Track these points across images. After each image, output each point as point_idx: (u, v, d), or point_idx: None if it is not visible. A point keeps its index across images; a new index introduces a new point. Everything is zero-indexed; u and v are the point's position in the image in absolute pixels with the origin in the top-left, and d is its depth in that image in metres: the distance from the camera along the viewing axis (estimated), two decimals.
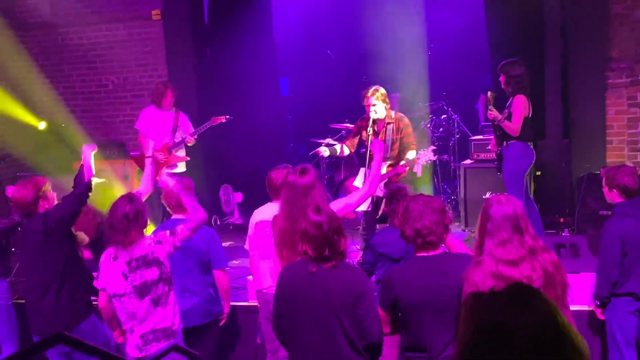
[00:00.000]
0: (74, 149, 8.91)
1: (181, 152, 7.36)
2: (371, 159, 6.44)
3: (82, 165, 4.69)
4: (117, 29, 8.88)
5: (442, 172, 8.78)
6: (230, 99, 8.91)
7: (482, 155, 7.48)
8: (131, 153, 7.82)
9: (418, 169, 6.24)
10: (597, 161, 6.93)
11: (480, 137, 7.77)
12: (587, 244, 5.42)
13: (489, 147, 6.68)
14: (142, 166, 7.29)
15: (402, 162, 6.16)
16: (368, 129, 6.18)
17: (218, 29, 8.93)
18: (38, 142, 8.81)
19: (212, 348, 4.98)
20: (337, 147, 6.64)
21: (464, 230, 7.42)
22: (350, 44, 11.26)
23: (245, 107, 8.85)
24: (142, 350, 4.10)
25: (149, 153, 5.42)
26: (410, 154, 6.18)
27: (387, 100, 6.27)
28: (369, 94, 6.20)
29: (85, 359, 4.43)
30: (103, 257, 4.17)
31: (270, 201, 4.83)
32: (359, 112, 6.59)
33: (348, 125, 8.55)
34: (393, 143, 6.24)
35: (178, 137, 7.32)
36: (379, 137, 6.24)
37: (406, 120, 6.31)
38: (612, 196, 4.56)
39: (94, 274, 4.32)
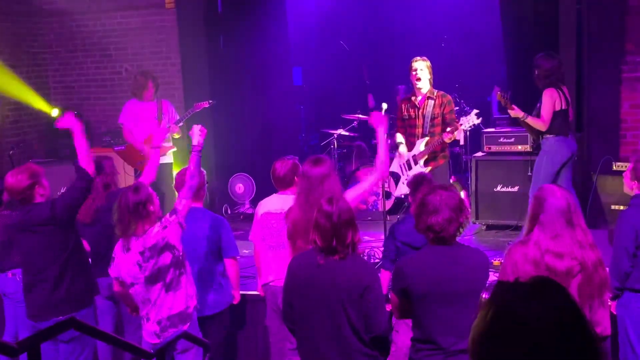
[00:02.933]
0: (87, 136, 8.98)
1: (167, 143, 7.29)
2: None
3: (79, 150, 4.59)
4: (131, 17, 8.90)
5: (454, 165, 8.76)
6: (243, 87, 8.93)
7: (494, 148, 7.45)
8: (115, 148, 7.80)
9: (461, 136, 6.19)
10: (610, 155, 6.89)
11: (493, 129, 7.74)
12: (601, 237, 5.39)
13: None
14: (127, 160, 7.32)
15: (448, 129, 6.07)
16: (408, 105, 6.14)
17: (231, 17, 8.93)
18: (51, 129, 8.87)
19: (221, 337, 5.02)
20: (399, 137, 6.45)
21: (474, 223, 7.40)
22: (363, 34, 11.25)
23: (257, 96, 8.86)
24: (160, 336, 4.14)
25: (157, 143, 5.42)
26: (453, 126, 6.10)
27: (432, 74, 6.18)
28: (417, 59, 6.14)
29: (72, 347, 4.48)
30: (116, 247, 4.21)
31: (276, 192, 4.84)
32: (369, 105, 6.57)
33: (360, 115, 8.54)
34: (433, 118, 6.15)
35: (164, 127, 7.24)
36: (418, 112, 6.19)
37: (449, 97, 6.23)
38: (632, 186, 4.51)
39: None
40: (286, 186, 4.75)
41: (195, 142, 4.48)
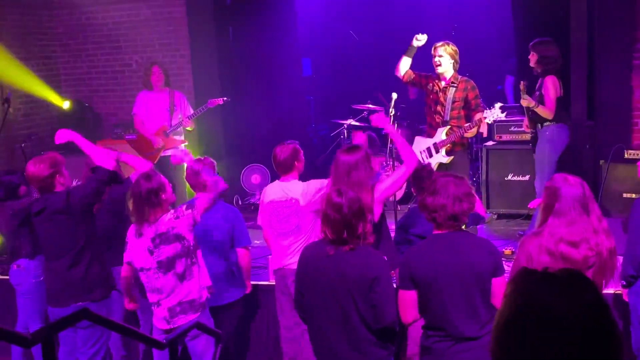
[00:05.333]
0: (97, 128, 9.02)
1: (178, 136, 7.33)
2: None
3: (91, 153, 4.68)
4: (140, 8, 8.91)
5: None
6: (252, 78, 8.93)
7: (505, 137, 7.43)
8: (126, 137, 7.83)
9: (484, 129, 6.16)
10: (622, 143, 6.84)
11: (503, 118, 7.69)
12: (613, 226, 5.36)
13: (523, 128, 6.58)
14: (138, 150, 7.34)
15: (467, 124, 6.04)
16: (431, 85, 6.09)
17: (240, 8, 8.92)
18: (62, 121, 8.90)
19: (233, 327, 5.05)
20: (406, 59, 6.31)
21: (486, 212, 7.38)
22: (373, 24, 11.20)
23: (267, 87, 8.86)
24: (169, 322, 4.20)
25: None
26: (478, 115, 6.03)
27: (457, 58, 6.10)
28: (438, 44, 6.08)
29: (90, 332, 4.53)
30: (129, 233, 4.29)
31: (278, 179, 4.82)
32: (381, 92, 6.53)
33: (370, 106, 8.52)
34: (454, 102, 6.08)
35: (176, 118, 7.28)
36: (440, 97, 6.13)
37: (473, 82, 6.14)
38: None
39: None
40: (287, 171, 4.73)
41: (187, 162, 4.60)
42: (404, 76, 6.30)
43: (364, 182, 3.96)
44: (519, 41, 8.35)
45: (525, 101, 6.03)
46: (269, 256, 5.59)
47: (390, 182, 4.23)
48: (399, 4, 10.96)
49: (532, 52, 6.13)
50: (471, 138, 8.63)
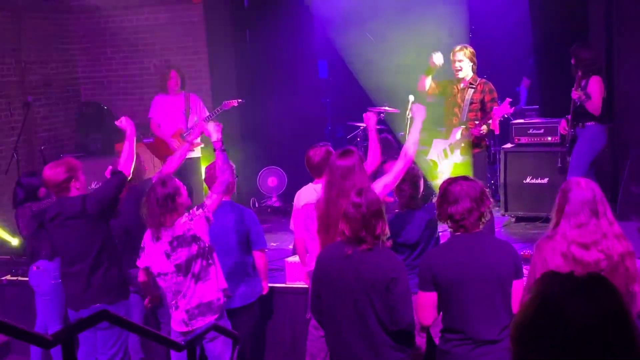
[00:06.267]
0: (115, 131, 9.09)
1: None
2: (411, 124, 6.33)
3: (124, 152, 4.70)
4: (158, 12, 8.97)
5: None
6: (269, 81, 8.95)
7: (523, 139, 7.38)
8: (144, 140, 7.88)
9: (495, 126, 6.13)
10: None
11: (522, 120, 7.66)
12: (632, 229, 5.33)
13: (560, 130, 6.52)
14: (155, 153, 7.38)
15: (477, 123, 6.03)
16: (450, 87, 6.11)
17: (257, 11, 8.96)
18: (81, 124, 8.99)
19: (250, 329, 5.06)
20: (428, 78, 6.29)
21: (503, 215, 7.35)
22: (389, 25, 11.17)
23: (284, 89, 8.88)
24: (188, 324, 4.22)
25: (192, 138, 5.55)
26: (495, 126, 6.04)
27: (475, 60, 6.12)
28: (457, 49, 6.10)
29: (109, 333, 4.56)
30: (145, 237, 4.30)
31: (312, 181, 4.83)
32: (397, 96, 6.52)
33: (387, 108, 8.51)
34: (471, 104, 6.08)
35: (192, 121, 7.30)
36: (458, 98, 6.15)
37: (491, 85, 6.15)
38: None
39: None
40: (321, 173, 4.72)
41: (214, 138, 4.54)
42: (428, 90, 6.31)
43: (358, 185, 3.93)
44: (536, 42, 8.30)
45: (577, 93, 6.01)
46: (286, 259, 5.61)
47: (387, 181, 4.15)
48: (416, 6, 10.92)
49: (571, 56, 6.12)
50: (489, 140, 8.61)
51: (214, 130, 4.55)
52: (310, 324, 4.76)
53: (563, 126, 6.33)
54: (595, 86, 5.99)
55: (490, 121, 6.00)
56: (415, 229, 4.37)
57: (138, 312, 5.14)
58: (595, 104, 5.97)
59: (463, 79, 6.12)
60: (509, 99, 6.07)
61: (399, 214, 4.52)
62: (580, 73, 6.01)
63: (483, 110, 6.10)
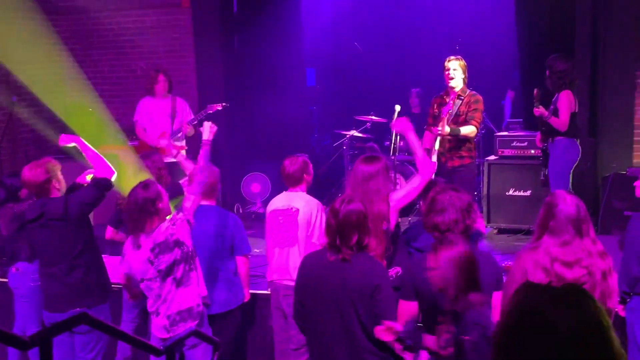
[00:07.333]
0: (101, 133, 9.03)
1: (179, 141, 7.31)
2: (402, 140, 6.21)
3: (92, 161, 4.68)
4: (146, 15, 8.95)
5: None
6: (256, 87, 8.95)
7: (507, 152, 7.44)
8: (130, 143, 7.86)
9: (443, 125, 6.03)
10: (623, 161, 6.86)
11: (506, 133, 7.72)
12: (613, 243, 5.37)
13: (537, 143, 6.57)
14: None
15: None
16: (440, 102, 6.12)
17: (246, 17, 8.97)
18: (66, 125, 8.92)
19: (232, 335, 5.04)
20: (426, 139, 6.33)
21: (486, 227, 7.38)
22: (377, 36, 11.24)
23: (271, 96, 8.88)
24: (169, 330, 4.18)
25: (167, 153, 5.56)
26: (464, 129, 5.98)
27: (466, 74, 6.13)
28: (452, 58, 6.11)
29: (88, 338, 4.51)
30: (126, 245, 4.27)
31: (286, 190, 4.85)
32: (384, 104, 6.54)
33: (373, 117, 8.54)
34: (458, 116, 6.07)
35: (177, 125, 7.29)
36: (443, 109, 6.11)
37: (479, 97, 6.15)
38: None
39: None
40: (295, 183, 4.78)
41: (205, 136, 4.56)
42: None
43: (381, 191, 3.97)
44: (522, 56, 8.38)
45: (539, 110, 6.03)
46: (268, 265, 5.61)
47: (405, 192, 4.24)
48: (404, 17, 11.00)
49: (546, 68, 6.14)
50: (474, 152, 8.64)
51: (208, 130, 4.59)
52: (275, 338, 4.79)
53: (539, 139, 6.38)
54: (564, 101, 5.99)
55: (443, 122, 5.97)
56: (426, 238, 4.36)
57: (137, 313, 5.08)
58: (561, 120, 5.97)
59: (452, 89, 6.13)
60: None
61: (416, 223, 4.64)
62: (536, 91, 6.03)
63: (466, 122, 6.09)
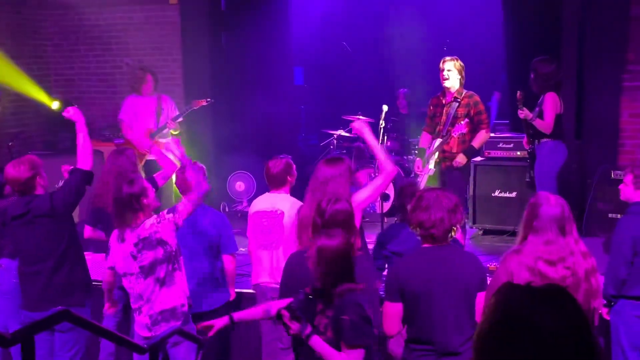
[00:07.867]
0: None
1: (165, 138, 7.23)
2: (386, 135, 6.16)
3: (80, 146, 4.65)
4: (134, 12, 8.90)
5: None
6: (244, 85, 8.93)
7: (493, 153, 7.47)
8: (115, 141, 7.80)
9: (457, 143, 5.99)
10: (609, 163, 6.89)
11: (492, 134, 7.73)
12: (597, 245, 5.40)
13: (524, 145, 6.57)
14: None
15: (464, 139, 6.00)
16: (436, 103, 6.10)
17: (234, 15, 8.94)
18: (51, 121, 8.85)
19: (216, 334, 5.00)
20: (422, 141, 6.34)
21: (471, 227, 7.41)
22: (366, 36, 11.25)
23: (258, 94, 8.86)
24: (151, 329, 4.16)
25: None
26: (478, 141, 6.01)
27: (463, 74, 6.06)
28: (447, 59, 6.04)
29: (68, 336, 4.49)
30: (112, 238, 4.26)
31: (269, 191, 4.83)
32: (372, 104, 6.54)
33: (360, 117, 8.54)
34: (455, 118, 6.00)
35: (162, 122, 7.26)
36: (444, 111, 6.08)
37: (477, 97, 6.07)
38: (630, 194, 4.48)
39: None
40: (278, 185, 4.75)
41: (177, 155, 4.60)
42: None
43: (340, 194, 3.92)
44: (509, 58, 8.41)
45: (523, 112, 6.01)
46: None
47: (368, 192, 4.18)
48: (392, 18, 11.01)
49: (532, 71, 6.13)
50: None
51: (174, 148, 4.62)
52: (262, 339, 4.78)
53: (526, 141, 6.39)
54: (549, 102, 5.98)
55: (450, 141, 5.96)
56: (414, 242, 4.34)
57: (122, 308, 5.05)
58: (546, 122, 5.97)
59: (449, 91, 6.11)
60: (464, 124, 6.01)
61: (393, 225, 4.61)
62: (520, 93, 6.02)
63: (473, 124, 6.02)
